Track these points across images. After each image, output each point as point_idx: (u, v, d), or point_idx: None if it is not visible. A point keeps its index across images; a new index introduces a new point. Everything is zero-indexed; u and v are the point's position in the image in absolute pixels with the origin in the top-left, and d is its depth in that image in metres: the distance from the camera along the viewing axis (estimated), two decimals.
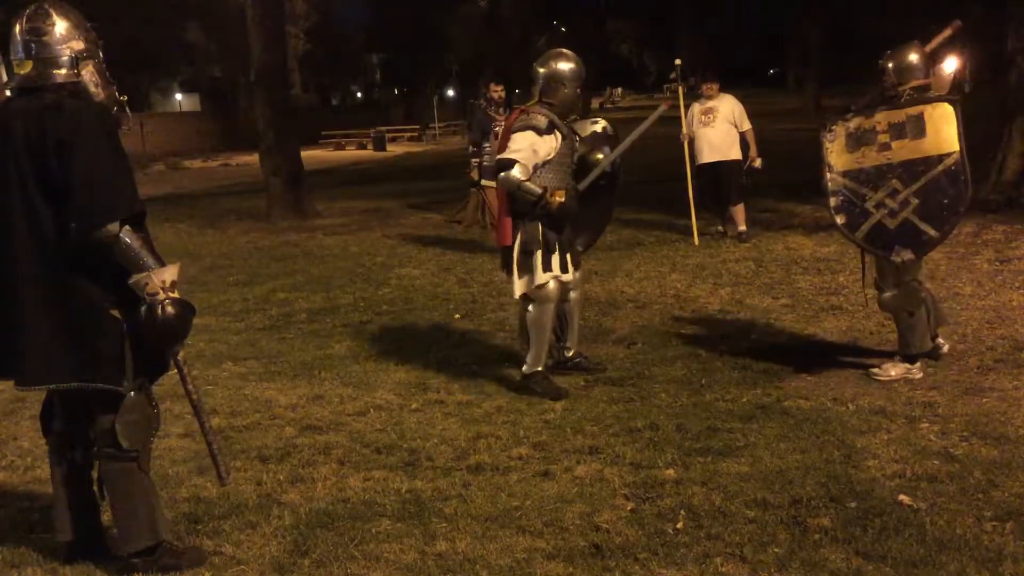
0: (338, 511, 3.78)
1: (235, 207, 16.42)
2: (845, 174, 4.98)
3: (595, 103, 65.09)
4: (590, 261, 9.38)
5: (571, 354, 5.60)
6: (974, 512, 3.52)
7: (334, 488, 4.04)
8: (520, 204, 5.12)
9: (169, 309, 3.02)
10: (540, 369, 5.25)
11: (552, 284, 5.17)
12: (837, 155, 4.99)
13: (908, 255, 4.92)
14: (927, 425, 4.45)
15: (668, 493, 3.82)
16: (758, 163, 10.06)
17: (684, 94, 10.66)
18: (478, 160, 9.99)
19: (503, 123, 9.74)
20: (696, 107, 10.14)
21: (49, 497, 3.53)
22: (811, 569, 3.18)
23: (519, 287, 5.20)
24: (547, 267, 5.14)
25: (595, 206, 5.44)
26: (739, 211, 10.04)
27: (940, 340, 5.44)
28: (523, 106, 5.31)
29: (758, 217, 10.98)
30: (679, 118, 10.28)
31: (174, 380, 5.86)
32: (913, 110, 4.89)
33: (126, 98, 3.37)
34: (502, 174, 5.04)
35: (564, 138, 5.15)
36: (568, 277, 5.26)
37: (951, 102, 4.90)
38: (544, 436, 4.56)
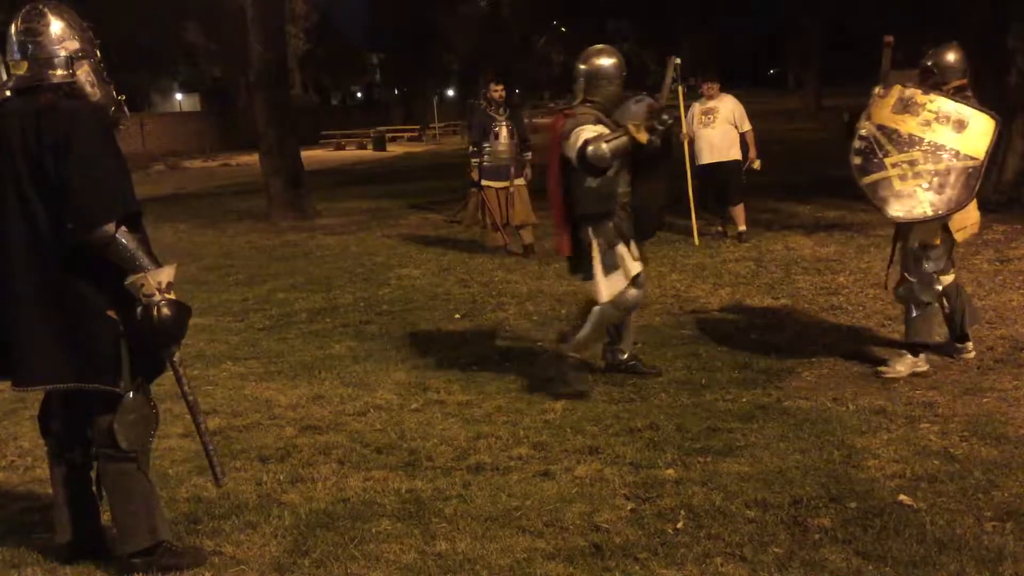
0: (338, 511, 3.78)
1: (235, 207, 16.43)
2: (880, 127, 5.07)
3: None
4: None
5: (625, 356, 5.52)
6: (974, 512, 3.52)
7: (334, 488, 4.04)
8: (589, 204, 5.00)
9: (165, 310, 3.02)
10: (576, 355, 5.24)
11: (633, 291, 5.13)
12: (879, 108, 5.09)
13: (899, 214, 5.00)
14: (927, 425, 4.44)
15: (668, 493, 3.82)
16: (757, 164, 10.06)
17: (684, 94, 10.65)
18: (478, 160, 9.98)
19: (503, 124, 9.90)
20: (696, 107, 10.14)
21: (49, 497, 3.53)
22: (811, 569, 3.18)
23: (606, 288, 5.07)
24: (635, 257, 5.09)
25: (650, 180, 5.24)
26: (739, 211, 10.04)
27: (970, 344, 5.46)
28: (567, 108, 5.17)
29: (758, 217, 10.98)
30: (679, 118, 10.27)
31: (173, 380, 5.87)
32: (965, 111, 4.99)
33: (124, 97, 3.36)
34: (589, 151, 4.79)
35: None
36: (640, 266, 5.18)
37: (996, 120, 5.01)
38: (544, 436, 4.56)
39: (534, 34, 54.31)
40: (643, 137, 4.81)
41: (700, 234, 10.00)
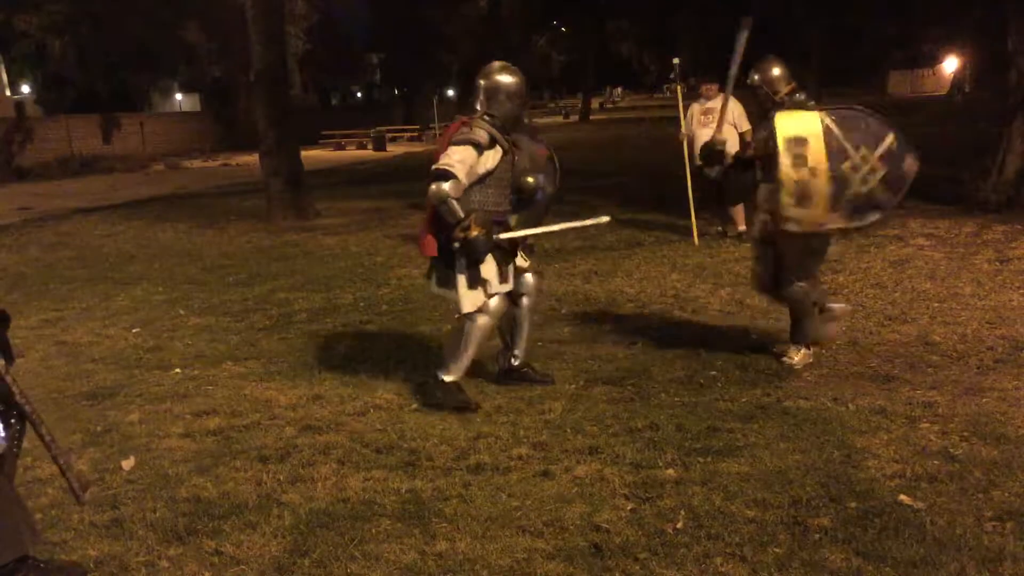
0: (338, 511, 3.78)
1: (235, 207, 16.42)
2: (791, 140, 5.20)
3: (595, 103, 65.11)
4: (589, 261, 9.41)
5: (518, 363, 5.45)
6: (974, 512, 3.53)
7: (334, 488, 4.04)
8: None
9: None
10: (456, 379, 5.10)
11: (498, 300, 5.03)
12: (781, 121, 5.25)
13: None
14: (927, 425, 4.45)
15: (668, 493, 3.83)
16: None
17: (683, 94, 10.66)
18: None
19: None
20: (696, 107, 10.14)
21: (49, 497, 3.52)
22: (811, 569, 3.18)
23: (469, 301, 4.94)
24: (501, 279, 4.98)
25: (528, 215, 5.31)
26: (739, 211, 10.04)
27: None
28: (465, 117, 5.07)
29: None
30: (678, 118, 10.28)
31: (174, 380, 5.87)
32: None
33: None
34: (434, 185, 4.73)
35: (505, 153, 4.95)
36: (508, 287, 5.08)
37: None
38: (544, 436, 4.56)
39: (534, 34, 54.30)
40: (468, 236, 4.70)
41: (700, 234, 10.00)
